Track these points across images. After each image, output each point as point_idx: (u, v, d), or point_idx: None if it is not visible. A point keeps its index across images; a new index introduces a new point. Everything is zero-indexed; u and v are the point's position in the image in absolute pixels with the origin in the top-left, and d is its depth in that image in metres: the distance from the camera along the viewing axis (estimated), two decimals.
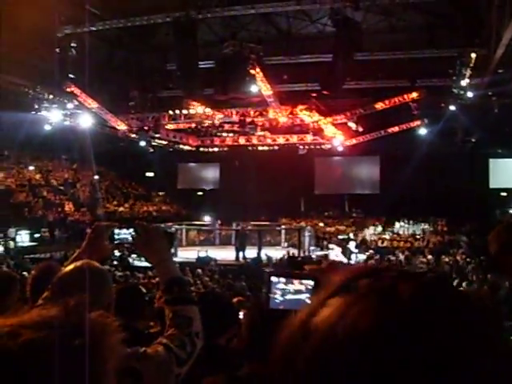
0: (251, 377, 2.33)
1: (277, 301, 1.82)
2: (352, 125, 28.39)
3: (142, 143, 29.65)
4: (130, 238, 2.68)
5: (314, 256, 25.39)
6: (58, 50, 23.66)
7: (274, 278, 1.83)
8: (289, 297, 1.79)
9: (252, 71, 23.31)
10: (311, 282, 1.75)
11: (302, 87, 28.56)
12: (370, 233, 31.65)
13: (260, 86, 24.31)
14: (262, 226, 29.69)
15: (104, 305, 2.11)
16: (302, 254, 25.08)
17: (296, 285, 1.79)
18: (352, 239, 28.70)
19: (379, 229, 32.11)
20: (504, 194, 32.48)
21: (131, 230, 2.63)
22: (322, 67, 25.04)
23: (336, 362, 0.61)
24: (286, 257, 23.30)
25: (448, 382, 0.58)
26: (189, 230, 30.65)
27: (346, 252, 25.47)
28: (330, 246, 27.24)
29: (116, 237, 2.87)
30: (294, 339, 0.67)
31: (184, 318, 2.19)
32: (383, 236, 31.06)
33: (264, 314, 2.25)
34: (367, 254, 26.09)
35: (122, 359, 1.88)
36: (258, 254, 24.32)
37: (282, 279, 1.82)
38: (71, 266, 2.35)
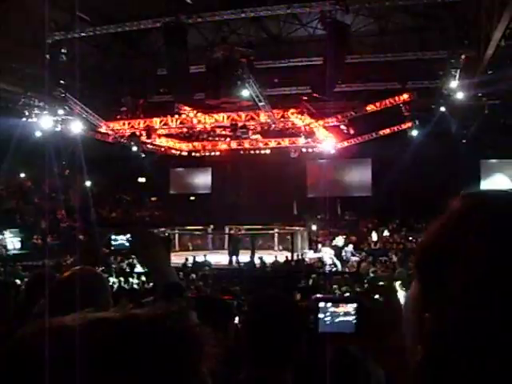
0: (251, 380, 2.32)
1: (327, 323, 1.91)
2: (343, 127, 28.47)
3: (134, 148, 29.62)
4: (127, 244, 2.66)
5: (307, 259, 25.44)
6: (48, 56, 23.62)
7: (321, 304, 1.93)
8: (338, 319, 1.88)
9: (243, 75, 23.35)
10: (355, 305, 1.85)
11: (293, 90, 28.60)
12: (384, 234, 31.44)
13: (251, 90, 24.34)
14: (254, 230, 29.71)
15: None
16: (295, 258, 25.09)
17: (342, 308, 1.90)
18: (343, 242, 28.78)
19: (386, 233, 31.96)
20: None
21: (128, 236, 2.62)
22: (313, 70, 25.07)
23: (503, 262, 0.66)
24: (276, 260, 23.38)
25: None
26: (181, 235, 30.64)
27: (339, 254, 25.55)
28: (323, 248, 27.32)
29: (113, 243, 2.85)
30: (445, 245, 0.73)
31: None
32: (374, 239, 31.09)
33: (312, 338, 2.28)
34: (359, 256, 26.16)
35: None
36: (252, 258, 24.34)
37: (329, 304, 1.91)
38: (68, 272, 2.36)
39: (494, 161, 33.12)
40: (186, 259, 23.17)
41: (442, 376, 0.64)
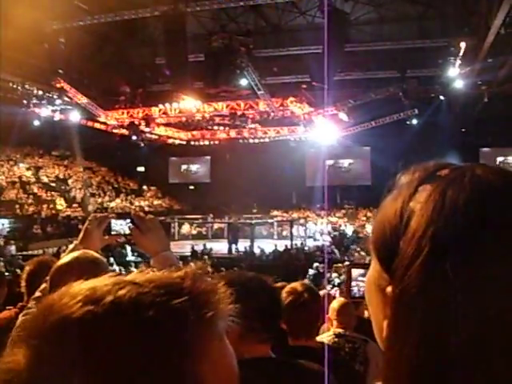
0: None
1: (355, 291, 1.92)
2: (343, 116, 28.43)
3: (133, 138, 29.59)
4: (127, 230, 2.66)
5: (306, 248, 25.46)
6: (46, 45, 23.56)
7: (353, 270, 1.93)
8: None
9: (242, 64, 23.30)
10: None
11: (292, 79, 28.55)
12: None
13: (250, 79, 24.29)
14: (254, 219, 29.73)
15: None
16: (294, 246, 25.12)
17: None
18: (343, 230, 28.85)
19: None
20: None
21: (128, 221, 2.62)
22: (312, 59, 25.02)
23: (447, 230, 0.66)
24: (276, 248, 23.42)
25: None
26: (181, 224, 30.68)
27: (339, 243, 25.62)
28: (323, 237, 27.39)
29: (113, 228, 2.84)
30: (394, 225, 0.72)
31: None
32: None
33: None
34: (360, 244, 26.19)
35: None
36: (251, 246, 24.36)
37: (361, 270, 1.91)
38: (68, 256, 2.36)
39: (492, 149, 33.11)
40: (193, 247, 23.26)
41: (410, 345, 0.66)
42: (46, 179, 32.65)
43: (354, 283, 1.97)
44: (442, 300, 0.62)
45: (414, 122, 28.36)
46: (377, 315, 0.77)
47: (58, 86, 24.61)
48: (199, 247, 23.77)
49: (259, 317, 2.02)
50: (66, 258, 2.36)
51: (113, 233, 2.86)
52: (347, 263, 11.33)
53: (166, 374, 0.62)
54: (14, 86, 25.18)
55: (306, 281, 12.19)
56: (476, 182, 0.68)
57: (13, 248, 22.71)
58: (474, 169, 0.70)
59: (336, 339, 3.76)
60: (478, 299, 0.61)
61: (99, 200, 33.94)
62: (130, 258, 21.47)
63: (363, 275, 1.94)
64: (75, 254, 2.38)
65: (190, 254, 22.39)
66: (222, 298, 0.71)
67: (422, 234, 0.66)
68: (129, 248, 21.69)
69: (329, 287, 11.78)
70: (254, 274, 2.29)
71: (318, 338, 3.58)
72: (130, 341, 0.62)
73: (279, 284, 5.37)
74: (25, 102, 25.78)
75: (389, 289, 0.71)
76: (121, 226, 2.83)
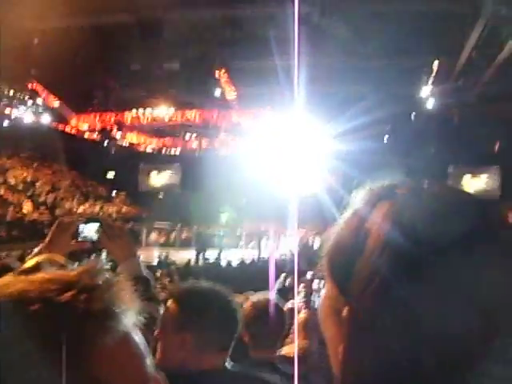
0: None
1: (318, 303, 1.90)
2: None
3: (105, 143, 29.42)
4: (95, 235, 2.61)
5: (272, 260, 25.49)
6: (20, 45, 23.32)
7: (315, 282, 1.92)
8: None
9: (217, 74, 23.33)
10: None
11: (267, 90, 28.62)
12: None
13: (224, 89, 24.32)
14: (222, 229, 29.70)
15: None
16: (261, 258, 25.15)
17: None
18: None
19: None
20: None
21: (97, 226, 2.57)
22: (285, 71, 25.13)
23: (403, 251, 0.65)
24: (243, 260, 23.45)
25: None
26: (149, 232, 30.52)
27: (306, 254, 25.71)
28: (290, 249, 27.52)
29: (81, 233, 2.77)
30: (350, 244, 0.71)
31: (149, 317, 2.17)
32: None
33: None
34: None
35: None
36: (219, 255, 24.32)
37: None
38: (32, 261, 2.31)
39: (461, 167, 33.54)
40: (159, 256, 23.14)
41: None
42: (13, 181, 32.21)
43: (316, 295, 1.97)
44: (395, 323, 0.61)
45: (386, 137, 28.63)
46: (332, 340, 0.75)
47: (30, 87, 24.35)
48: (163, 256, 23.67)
49: (214, 328, 2.01)
50: (29, 263, 2.31)
51: (80, 238, 2.80)
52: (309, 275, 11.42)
53: (49, 367, 0.61)
54: None
55: (272, 293, 12.21)
56: (433, 202, 0.67)
57: None
58: (432, 188, 0.70)
59: (300, 352, 3.76)
60: (427, 322, 0.61)
61: (67, 204, 33.57)
62: None
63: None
64: (39, 257, 2.33)
65: (156, 263, 22.28)
66: (124, 294, 0.70)
67: (379, 255, 0.65)
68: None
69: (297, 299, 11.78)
70: (211, 285, 2.28)
71: (281, 351, 3.57)
72: (13, 335, 0.61)
73: (242, 296, 5.35)
74: None
75: (345, 311, 0.69)
76: (89, 232, 2.78)
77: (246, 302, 3.29)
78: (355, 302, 0.67)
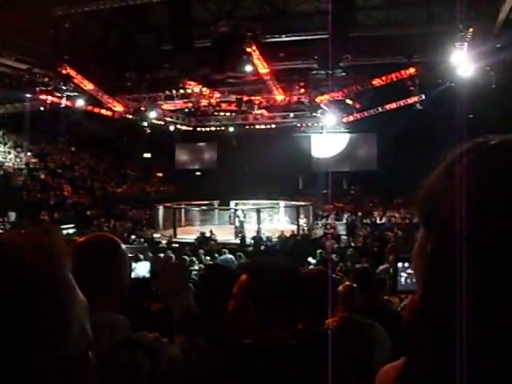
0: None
1: (402, 283, 1.92)
2: (349, 102, 28.33)
3: (141, 124, 29.59)
4: (148, 275, 2.65)
5: (313, 234, 25.49)
6: (52, 31, 23.50)
7: (399, 264, 1.93)
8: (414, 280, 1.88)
9: (248, 49, 23.20)
10: None
11: (299, 65, 28.41)
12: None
13: (257, 65, 24.20)
14: (260, 205, 29.75)
15: (112, 279, 2.07)
16: (301, 232, 25.15)
17: None
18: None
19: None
20: None
21: (148, 265, 2.60)
22: (319, 44, 24.91)
23: (484, 195, 0.69)
24: (283, 234, 23.45)
25: None
26: (188, 210, 30.73)
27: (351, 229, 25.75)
28: (330, 221, 27.47)
29: (134, 271, 2.76)
30: (436, 188, 0.78)
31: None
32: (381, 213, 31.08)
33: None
34: (367, 229, 26.24)
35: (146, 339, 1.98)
36: (258, 232, 24.38)
37: (407, 264, 1.91)
38: (84, 238, 2.28)
39: (499, 136, 32.90)
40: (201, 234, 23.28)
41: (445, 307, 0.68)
42: (52, 166, 32.73)
43: (401, 275, 1.98)
44: (470, 262, 0.64)
45: (421, 107, 28.18)
46: (419, 275, 0.79)
47: (63, 72, 24.56)
48: (205, 233, 23.79)
49: (278, 300, 2.04)
50: (80, 240, 2.31)
51: (134, 275, 2.84)
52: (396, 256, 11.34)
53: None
54: (20, 73, 25.16)
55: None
56: None
57: None
58: None
59: (341, 323, 3.78)
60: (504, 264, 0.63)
61: (106, 186, 34.01)
62: None
63: (407, 268, 1.94)
64: (92, 235, 2.34)
65: (196, 240, 22.45)
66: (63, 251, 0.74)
67: (459, 197, 0.68)
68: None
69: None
70: (278, 260, 2.32)
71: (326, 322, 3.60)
72: None
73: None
74: (31, 88, 25.78)
75: (429, 246, 0.73)
76: (141, 269, 2.83)
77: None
78: (435, 239, 0.71)
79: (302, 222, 27.68)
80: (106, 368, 1.78)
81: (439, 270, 0.70)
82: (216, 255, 18.06)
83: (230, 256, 16.44)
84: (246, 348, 2.02)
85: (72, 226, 24.12)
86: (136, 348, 1.91)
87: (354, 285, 4.51)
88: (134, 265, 2.75)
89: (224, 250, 18.07)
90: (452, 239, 0.67)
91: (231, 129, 33.41)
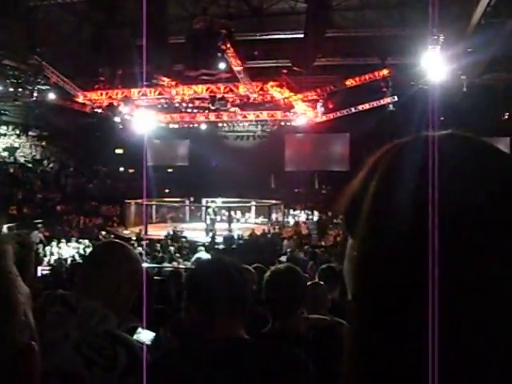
0: None
1: None
2: (322, 101, 28.45)
3: (115, 119, 29.39)
4: (148, 341, 2.63)
5: (284, 233, 25.57)
6: (24, 23, 23.18)
7: None
8: None
9: (223, 47, 23.16)
10: None
11: (273, 63, 28.46)
12: None
13: (231, 62, 24.17)
14: (231, 203, 29.75)
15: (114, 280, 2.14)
16: (272, 231, 25.20)
17: None
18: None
19: None
20: None
21: (152, 335, 2.59)
22: (293, 44, 24.98)
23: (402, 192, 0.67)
24: (254, 232, 23.51)
25: None
26: (159, 207, 30.62)
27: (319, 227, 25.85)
28: (300, 220, 27.60)
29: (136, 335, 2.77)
30: (357, 192, 0.75)
31: None
32: None
33: None
34: (338, 229, 26.40)
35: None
36: (229, 230, 24.39)
37: None
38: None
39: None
40: (168, 233, 23.23)
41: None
42: (22, 160, 32.32)
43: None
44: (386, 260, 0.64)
45: (394, 109, 28.43)
46: (347, 283, 0.79)
47: (35, 64, 24.26)
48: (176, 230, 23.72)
49: (219, 297, 2.06)
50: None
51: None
52: None
53: None
54: None
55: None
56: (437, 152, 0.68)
57: None
58: (440, 140, 0.72)
59: (308, 322, 3.79)
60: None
61: (77, 182, 33.69)
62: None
63: None
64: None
65: (168, 237, 22.38)
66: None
67: (377, 197, 0.67)
68: None
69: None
70: (219, 256, 2.33)
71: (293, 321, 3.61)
72: None
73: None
74: (1, 81, 25.41)
75: (354, 253, 0.73)
76: (144, 337, 2.80)
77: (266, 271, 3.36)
78: (359, 243, 0.70)
79: (273, 220, 27.76)
80: (86, 350, 1.89)
81: (363, 277, 0.69)
82: (185, 252, 18.03)
83: (206, 254, 16.40)
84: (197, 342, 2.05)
85: (41, 221, 23.89)
86: (118, 343, 1.96)
87: (322, 283, 4.56)
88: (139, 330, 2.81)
89: (200, 248, 18.02)
90: (371, 248, 0.67)
91: (204, 126, 33.36)
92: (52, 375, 1.83)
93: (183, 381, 1.91)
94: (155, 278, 7.75)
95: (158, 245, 20.07)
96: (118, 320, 2.05)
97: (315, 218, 29.74)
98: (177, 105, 30.10)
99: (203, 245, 19.49)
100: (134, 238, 22.14)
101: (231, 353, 1.98)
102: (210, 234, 24.05)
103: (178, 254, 17.72)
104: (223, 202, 29.23)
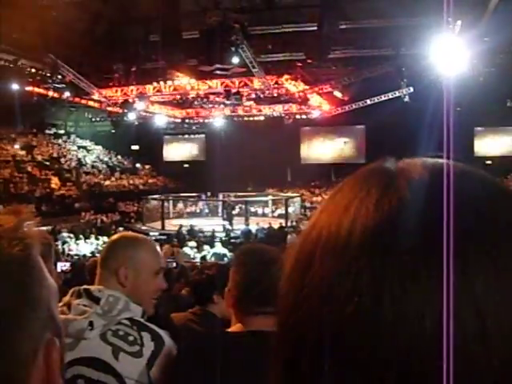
0: None
1: None
2: (337, 94, 28.34)
3: (129, 116, 29.48)
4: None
5: (301, 226, 25.52)
6: (38, 21, 23.27)
7: None
8: None
9: (236, 41, 23.13)
10: None
11: (287, 57, 28.36)
12: None
13: (244, 56, 24.14)
14: (248, 197, 29.75)
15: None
16: (289, 224, 25.18)
17: None
18: None
19: None
20: (489, 162, 32.74)
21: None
22: (307, 36, 24.87)
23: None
24: (271, 226, 23.47)
25: None
26: (176, 202, 30.70)
27: None
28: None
29: None
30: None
31: None
32: None
33: None
34: None
35: None
36: (246, 224, 24.39)
37: None
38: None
39: (488, 128, 33.18)
40: (181, 226, 23.24)
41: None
42: (39, 158, 32.55)
43: None
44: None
45: (409, 99, 28.25)
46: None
47: (50, 63, 24.38)
48: (194, 225, 23.75)
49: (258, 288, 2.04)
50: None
51: None
52: None
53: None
54: (7, 64, 24.94)
55: None
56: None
57: None
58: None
59: None
60: None
61: (94, 178, 33.88)
62: None
63: None
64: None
65: (186, 231, 22.42)
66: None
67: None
68: None
69: None
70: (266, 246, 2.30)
71: None
72: None
73: None
74: (18, 80, 25.58)
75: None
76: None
77: None
78: None
79: (291, 213, 27.72)
80: (112, 338, 1.92)
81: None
82: (206, 247, 18.07)
83: (224, 249, 16.44)
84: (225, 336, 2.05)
85: (59, 218, 24.03)
86: (143, 330, 1.98)
87: None
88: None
89: (216, 242, 18.05)
90: None
91: (219, 120, 33.37)
92: (79, 364, 1.86)
93: (209, 368, 1.91)
94: None
95: (176, 240, 20.13)
96: (142, 308, 2.07)
97: None
98: (192, 100, 30.15)
99: (220, 239, 19.55)
100: (152, 234, 22.22)
101: (259, 343, 1.98)
102: (228, 228, 24.09)
103: (195, 250, 17.74)
104: (240, 197, 29.24)
